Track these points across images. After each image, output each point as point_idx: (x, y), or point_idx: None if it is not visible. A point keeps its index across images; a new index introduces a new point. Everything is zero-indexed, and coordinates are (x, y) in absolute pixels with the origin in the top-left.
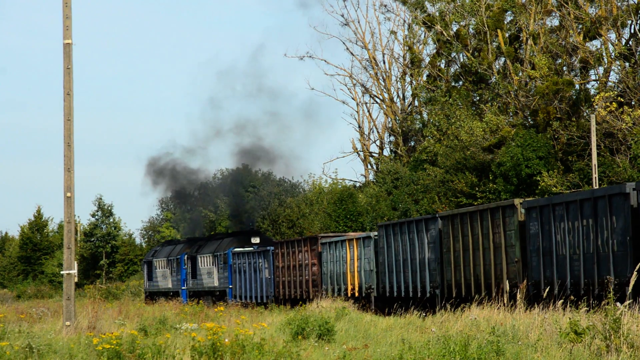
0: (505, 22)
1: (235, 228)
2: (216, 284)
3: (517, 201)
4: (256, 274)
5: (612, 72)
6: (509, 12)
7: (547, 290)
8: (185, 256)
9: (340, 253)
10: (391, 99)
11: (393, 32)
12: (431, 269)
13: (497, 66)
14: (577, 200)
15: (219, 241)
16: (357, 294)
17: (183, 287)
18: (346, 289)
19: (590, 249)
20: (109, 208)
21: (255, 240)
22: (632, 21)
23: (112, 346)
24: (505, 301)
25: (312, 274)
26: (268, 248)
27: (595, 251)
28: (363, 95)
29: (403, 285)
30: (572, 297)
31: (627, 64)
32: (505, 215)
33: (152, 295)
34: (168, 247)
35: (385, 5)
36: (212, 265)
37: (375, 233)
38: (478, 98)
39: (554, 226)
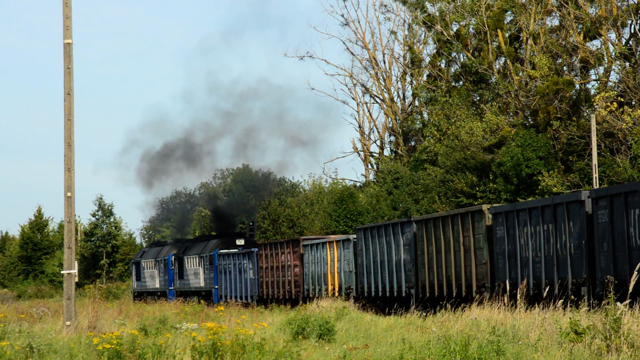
0: (506, 22)
1: (220, 229)
2: (202, 284)
3: (484, 207)
4: (241, 275)
5: (612, 72)
6: (509, 12)
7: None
8: (173, 257)
9: (321, 255)
10: (391, 99)
11: (393, 32)
12: (406, 270)
13: (497, 66)
14: (539, 206)
15: (205, 243)
16: (336, 294)
17: (170, 287)
18: (327, 289)
19: (550, 251)
20: (110, 208)
21: (240, 242)
22: (632, 21)
23: (113, 346)
24: (505, 301)
25: (294, 275)
26: (252, 250)
27: (555, 254)
28: (363, 95)
29: (380, 285)
30: (573, 298)
31: (627, 63)
32: (474, 220)
33: (140, 295)
34: (156, 248)
35: (385, 5)
36: (199, 266)
37: (354, 236)
38: (478, 98)
39: (518, 230)
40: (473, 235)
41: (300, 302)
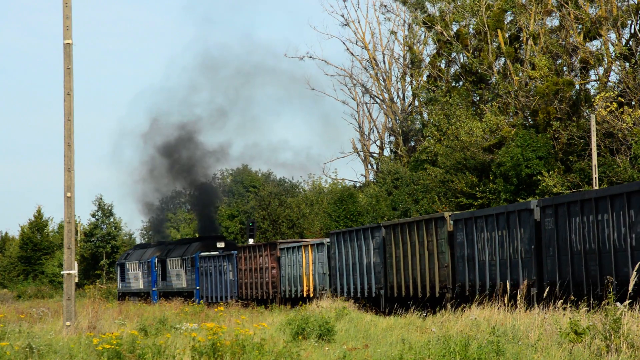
0: (506, 22)
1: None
2: (184, 285)
3: (446, 214)
4: (221, 276)
5: (612, 72)
6: (509, 12)
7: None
8: (156, 259)
9: (297, 258)
10: (391, 99)
11: (393, 32)
12: (376, 272)
13: (497, 66)
14: (494, 214)
15: (187, 245)
16: (311, 295)
17: (154, 288)
18: (302, 290)
19: (504, 255)
20: (109, 208)
21: (221, 244)
22: (632, 21)
23: (113, 346)
24: (505, 301)
25: (271, 277)
26: (232, 252)
27: (508, 257)
28: (363, 96)
29: (352, 286)
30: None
31: (627, 64)
32: (437, 226)
33: (125, 296)
34: (140, 250)
35: (385, 6)
36: (181, 268)
37: (328, 240)
38: (478, 98)
39: (476, 236)
40: (436, 240)
41: (300, 303)
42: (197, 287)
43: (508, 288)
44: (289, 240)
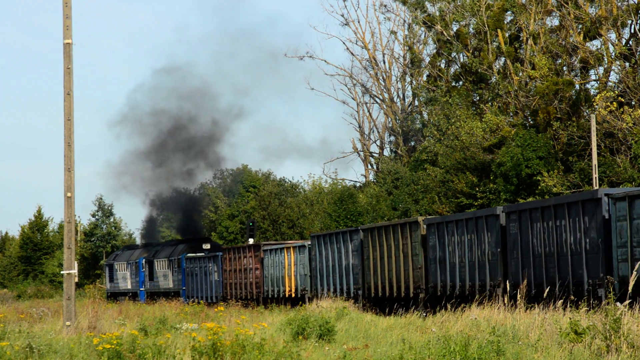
0: (506, 22)
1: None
2: (171, 285)
3: (420, 218)
4: (207, 277)
5: (612, 72)
6: (509, 12)
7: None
8: (143, 260)
9: (280, 259)
10: (391, 99)
11: (393, 32)
12: (355, 273)
13: (497, 66)
14: (464, 219)
15: (174, 247)
16: (293, 295)
17: (141, 288)
18: (284, 291)
19: (472, 258)
20: (109, 208)
21: (206, 246)
22: (632, 21)
23: (113, 346)
24: (505, 301)
25: (255, 277)
26: (217, 253)
27: (477, 260)
28: (363, 95)
29: (332, 287)
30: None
31: (627, 64)
32: (411, 229)
33: (114, 296)
34: (128, 251)
35: (385, 5)
36: (168, 268)
37: (309, 242)
38: (478, 98)
39: (447, 239)
40: (410, 243)
41: (299, 303)
42: (184, 288)
43: (477, 288)
44: (272, 242)
